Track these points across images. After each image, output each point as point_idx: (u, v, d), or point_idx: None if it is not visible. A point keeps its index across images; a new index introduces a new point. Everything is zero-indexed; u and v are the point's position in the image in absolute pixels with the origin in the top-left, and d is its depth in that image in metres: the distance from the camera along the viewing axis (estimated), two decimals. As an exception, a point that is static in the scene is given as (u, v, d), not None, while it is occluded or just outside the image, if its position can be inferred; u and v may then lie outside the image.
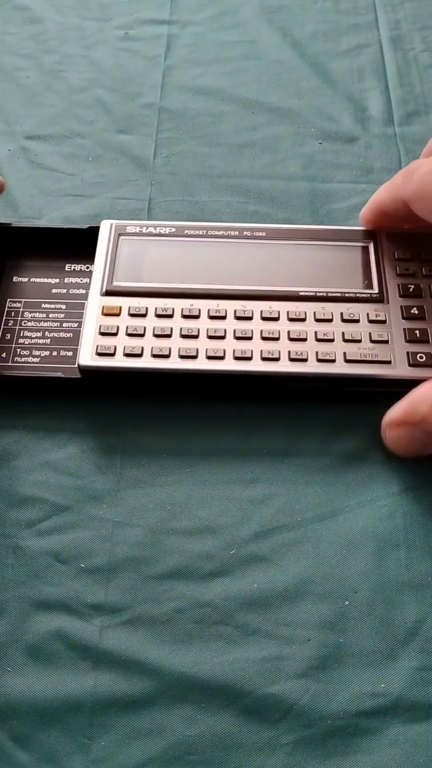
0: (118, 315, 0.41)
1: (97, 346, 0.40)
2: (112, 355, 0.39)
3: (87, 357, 0.40)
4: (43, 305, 0.44)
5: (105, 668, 0.34)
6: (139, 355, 0.39)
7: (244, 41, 0.60)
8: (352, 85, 0.57)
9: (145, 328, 0.40)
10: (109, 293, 0.42)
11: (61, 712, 0.33)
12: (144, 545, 0.37)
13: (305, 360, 0.39)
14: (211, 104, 0.56)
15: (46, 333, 0.43)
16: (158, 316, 0.41)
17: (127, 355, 0.39)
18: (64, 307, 0.44)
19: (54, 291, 0.45)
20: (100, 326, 0.40)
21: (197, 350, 0.39)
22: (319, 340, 0.40)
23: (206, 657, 0.34)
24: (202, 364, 0.39)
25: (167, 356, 0.39)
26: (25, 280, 0.46)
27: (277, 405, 0.41)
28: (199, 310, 0.41)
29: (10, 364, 0.42)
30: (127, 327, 0.40)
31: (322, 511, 0.38)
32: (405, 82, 0.57)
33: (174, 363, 0.39)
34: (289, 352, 0.39)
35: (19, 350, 0.43)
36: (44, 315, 0.44)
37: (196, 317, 0.41)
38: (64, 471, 0.39)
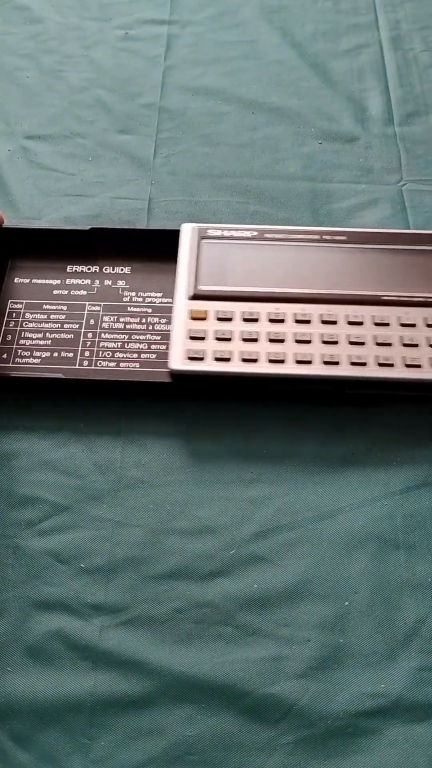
0: (205, 319, 0.41)
1: (187, 350, 0.40)
2: (202, 359, 0.40)
3: (178, 361, 0.40)
4: (44, 306, 0.44)
5: (105, 668, 0.34)
6: (229, 360, 0.40)
7: (244, 41, 0.60)
8: (352, 85, 0.57)
9: (233, 333, 0.41)
10: (195, 297, 0.42)
11: (61, 712, 0.33)
12: (144, 545, 0.37)
13: (392, 365, 0.39)
14: (211, 104, 0.56)
15: (47, 334, 0.43)
16: (245, 320, 0.41)
17: (217, 359, 0.40)
18: (65, 308, 0.44)
19: (55, 292, 0.45)
20: (189, 330, 0.41)
21: (285, 354, 0.40)
22: (405, 345, 0.40)
23: (206, 657, 0.34)
24: (290, 368, 0.39)
25: (256, 361, 0.40)
26: (27, 281, 0.45)
27: (278, 405, 0.41)
28: (285, 314, 0.41)
29: (11, 364, 0.42)
30: (215, 331, 0.41)
31: (322, 511, 0.38)
32: (405, 82, 0.57)
33: (263, 367, 0.40)
34: (376, 357, 0.39)
35: (20, 351, 0.42)
36: (45, 316, 0.44)
37: (282, 321, 0.41)
38: (64, 471, 0.39)
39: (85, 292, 0.45)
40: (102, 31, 0.61)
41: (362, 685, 0.33)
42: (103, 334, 0.43)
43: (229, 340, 0.40)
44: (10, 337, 0.43)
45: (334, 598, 0.35)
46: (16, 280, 0.45)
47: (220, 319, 0.41)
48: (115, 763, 0.32)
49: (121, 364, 0.42)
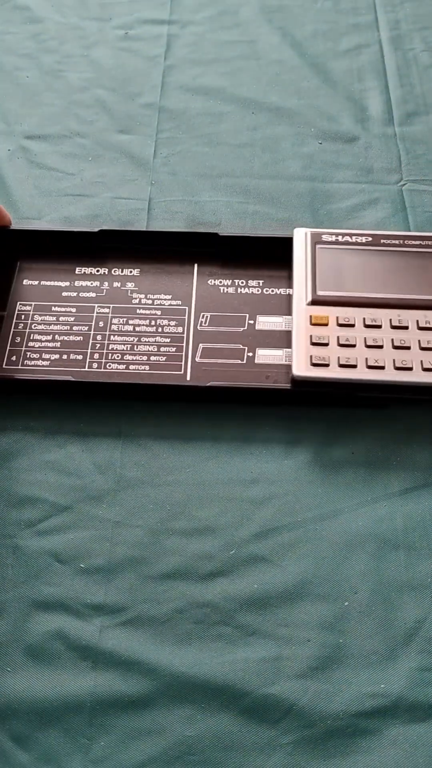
0: (326, 325, 0.41)
1: (311, 357, 0.40)
2: (327, 365, 0.40)
3: (302, 367, 0.40)
4: (53, 308, 0.44)
5: (105, 668, 0.34)
6: (354, 366, 0.39)
7: (244, 41, 0.60)
8: (352, 85, 0.57)
9: (356, 338, 0.40)
10: (315, 302, 0.42)
11: (60, 713, 0.33)
12: (144, 545, 0.37)
13: None
14: (211, 104, 0.56)
15: (56, 336, 0.43)
16: (367, 326, 0.41)
17: (342, 365, 0.39)
18: (74, 310, 0.44)
19: (64, 294, 0.45)
20: (311, 336, 0.41)
21: (412, 361, 0.39)
22: None
23: (206, 657, 0.34)
24: (418, 376, 0.39)
25: (382, 368, 0.39)
26: (35, 283, 0.45)
27: (277, 405, 0.41)
28: (408, 321, 0.41)
29: (20, 367, 0.42)
30: (338, 337, 0.40)
31: (322, 512, 0.38)
32: (405, 81, 0.57)
33: (389, 375, 0.39)
34: None
35: (29, 353, 0.42)
36: (54, 318, 0.44)
37: (405, 328, 0.41)
38: (64, 471, 0.39)
39: (94, 294, 0.45)
40: (102, 31, 0.61)
41: (362, 685, 0.33)
42: (112, 337, 0.43)
43: (353, 346, 0.40)
44: (19, 339, 0.43)
45: (334, 598, 0.35)
46: (24, 282, 0.45)
47: (341, 325, 0.41)
48: (115, 763, 0.32)
49: (131, 367, 0.42)
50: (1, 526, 0.38)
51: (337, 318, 0.41)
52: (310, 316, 0.41)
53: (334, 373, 0.39)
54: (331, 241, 0.44)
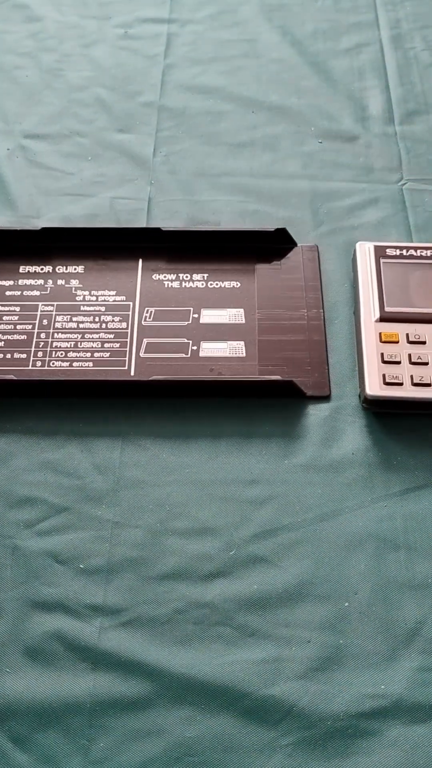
0: (396, 342, 0.40)
1: (384, 375, 0.39)
2: (401, 384, 0.39)
3: (375, 386, 0.39)
4: None
5: (104, 669, 0.34)
6: (429, 385, 0.39)
7: (243, 40, 0.60)
8: (353, 83, 0.57)
9: (428, 356, 0.40)
10: (383, 319, 0.41)
11: (60, 714, 0.33)
12: (143, 546, 0.37)
13: None
14: (211, 103, 0.56)
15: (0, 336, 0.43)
16: None
17: (416, 384, 0.39)
18: (18, 309, 0.44)
19: (8, 293, 0.45)
20: (382, 354, 0.40)
21: None
22: None
23: (206, 658, 0.34)
24: None
25: None
26: None
27: (278, 405, 0.41)
28: None
29: None
30: (409, 355, 0.40)
31: (322, 512, 0.38)
32: (405, 80, 0.57)
33: None
34: None
35: None
36: None
37: None
38: (63, 471, 0.39)
39: (38, 293, 0.44)
40: (101, 30, 0.61)
41: (362, 686, 0.33)
42: (56, 335, 0.43)
43: (426, 364, 0.40)
44: None
45: (334, 598, 0.35)
46: None
47: (412, 342, 0.40)
48: (115, 764, 0.32)
49: (75, 364, 0.42)
50: (0, 526, 0.37)
51: (407, 335, 0.41)
52: (380, 334, 0.41)
53: (408, 392, 0.39)
54: (396, 255, 0.44)
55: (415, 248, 0.44)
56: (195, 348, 0.42)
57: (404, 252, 0.44)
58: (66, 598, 0.35)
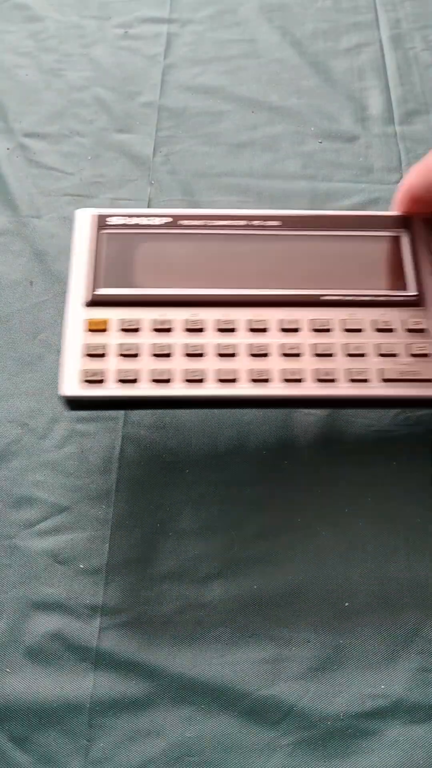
0: (105, 330, 0.34)
1: (84, 372, 0.33)
2: (103, 381, 0.33)
3: (72, 385, 0.33)
4: None
5: (104, 669, 0.34)
6: (135, 381, 0.33)
7: (243, 40, 0.60)
8: (353, 83, 0.57)
9: (140, 347, 0.34)
10: (93, 303, 0.35)
11: (60, 714, 0.33)
12: (143, 546, 0.37)
13: (334, 380, 0.33)
14: (211, 103, 0.56)
15: None
16: (156, 330, 0.34)
17: (121, 381, 0.33)
18: None
19: None
20: (86, 346, 0.34)
21: (205, 372, 0.33)
22: (349, 355, 0.34)
23: (206, 658, 0.34)
24: (211, 389, 0.33)
25: (169, 381, 0.33)
26: None
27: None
28: (204, 322, 0.34)
29: None
30: (119, 346, 0.34)
31: (322, 512, 0.38)
32: (405, 80, 0.57)
33: (178, 389, 0.33)
34: (315, 371, 0.33)
35: None
36: None
37: (201, 330, 0.34)
38: (63, 471, 0.39)
39: None
40: (101, 30, 0.61)
41: (362, 686, 0.33)
42: None
43: (136, 356, 0.34)
44: None
45: (334, 599, 0.35)
46: None
47: (124, 330, 0.34)
48: (115, 764, 0.32)
49: None
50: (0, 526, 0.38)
51: (120, 321, 0.34)
52: (87, 321, 0.34)
53: (111, 390, 0.33)
54: (120, 225, 0.37)
55: (145, 215, 0.37)
56: None
57: (130, 221, 0.37)
58: (66, 598, 0.35)
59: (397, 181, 0.51)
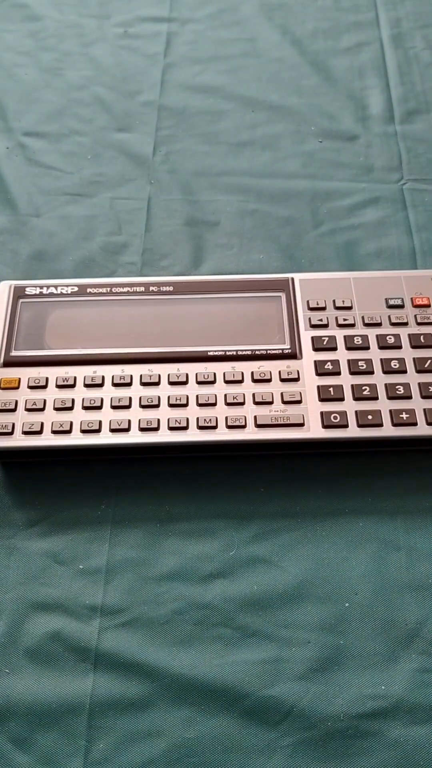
0: (16, 388, 0.38)
1: None
2: (10, 433, 0.37)
3: None
4: None
5: (104, 670, 0.34)
6: (39, 432, 0.37)
7: (243, 39, 0.60)
8: (353, 83, 0.57)
9: (45, 402, 0.38)
10: (7, 364, 0.39)
11: (59, 714, 0.33)
12: (143, 546, 0.37)
13: (214, 427, 0.37)
14: (211, 102, 0.56)
15: None
16: (59, 386, 0.38)
17: (26, 432, 0.37)
18: None
19: None
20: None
21: (100, 423, 0.37)
22: (228, 404, 0.38)
23: (206, 659, 0.34)
24: (105, 438, 0.37)
25: (68, 432, 0.37)
26: None
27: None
28: (103, 378, 0.38)
29: None
30: (26, 401, 0.38)
31: (322, 512, 0.38)
32: (406, 80, 0.57)
33: (76, 439, 0.37)
34: (198, 419, 0.37)
35: None
36: None
37: (100, 386, 0.38)
38: (63, 471, 0.39)
39: None
40: (101, 29, 0.61)
41: (362, 686, 0.33)
42: None
43: (41, 410, 0.38)
44: None
45: (335, 599, 0.35)
46: None
47: (32, 387, 0.38)
48: (115, 765, 0.32)
49: None
50: (-1, 526, 0.37)
51: (29, 380, 0.38)
52: (0, 380, 0.39)
53: (17, 441, 0.37)
54: (35, 294, 0.41)
55: (56, 285, 0.42)
56: None
57: (44, 290, 0.42)
58: (65, 599, 0.35)
59: (398, 181, 0.51)
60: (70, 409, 0.38)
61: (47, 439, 0.37)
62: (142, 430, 0.37)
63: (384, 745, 0.32)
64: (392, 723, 0.33)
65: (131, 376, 0.39)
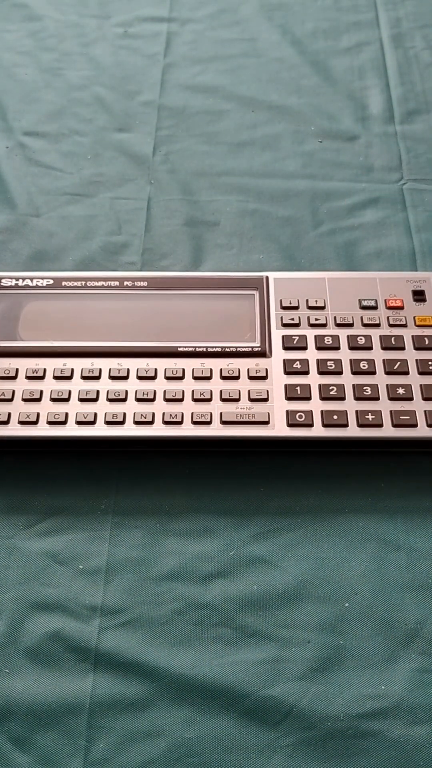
0: None
1: None
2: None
3: None
4: None
5: (104, 670, 0.34)
6: (6, 423, 0.37)
7: (243, 39, 0.60)
8: (353, 83, 0.57)
9: (13, 392, 0.38)
10: None
11: (59, 714, 0.33)
12: (143, 546, 0.37)
13: (180, 423, 0.37)
14: (211, 102, 0.56)
15: None
16: (28, 378, 0.39)
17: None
18: None
19: None
20: None
21: (66, 415, 0.37)
22: (195, 400, 0.38)
23: (205, 659, 0.34)
24: (72, 430, 0.37)
25: (35, 423, 0.37)
26: None
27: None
28: (72, 370, 0.39)
29: None
30: (2, 392, 0.38)
31: (322, 512, 0.38)
32: (406, 80, 0.57)
33: (42, 430, 0.37)
34: (164, 414, 0.37)
35: None
36: None
37: (69, 378, 0.39)
38: (63, 471, 0.39)
39: None
40: (101, 29, 0.61)
41: (362, 686, 0.33)
42: None
43: (9, 400, 0.38)
44: None
45: (334, 599, 0.35)
46: None
47: (1, 378, 0.39)
48: (114, 765, 0.32)
49: None
50: (-1, 526, 0.37)
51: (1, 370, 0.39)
52: None
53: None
54: (10, 286, 0.42)
55: (32, 278, 0.42)
56: None
57: (19, 282, 0.42)
58: (65, 599, 0.35)
59: (398, 181, 0.51)
60: (38, 400, 0.38)
61: (14, 430, 0.37)
62: (107, 423, 0.37)
63: (384, 745, 0.32)
64: (392, 723, 0.33)
65: (100, 370, 0.39)
